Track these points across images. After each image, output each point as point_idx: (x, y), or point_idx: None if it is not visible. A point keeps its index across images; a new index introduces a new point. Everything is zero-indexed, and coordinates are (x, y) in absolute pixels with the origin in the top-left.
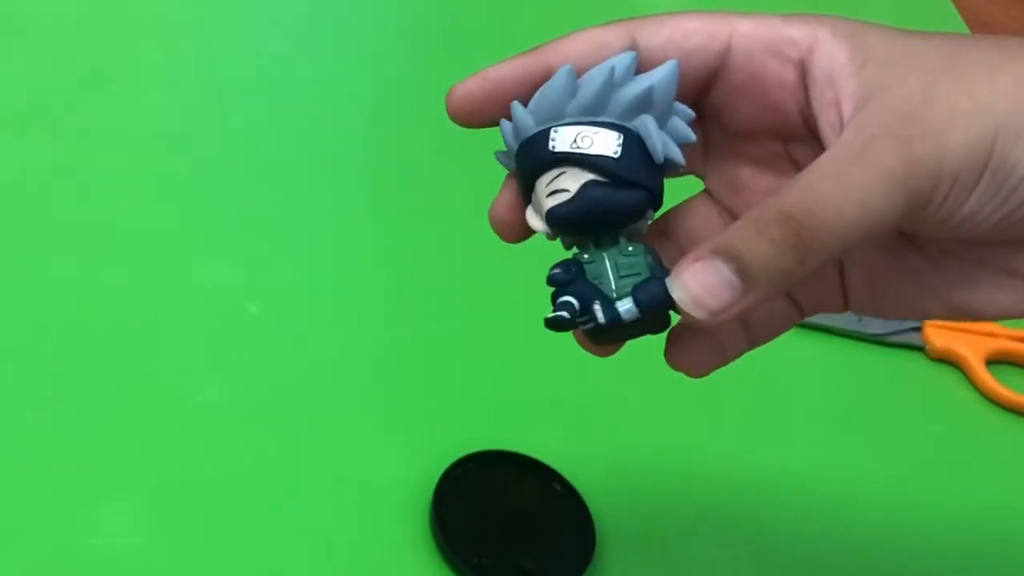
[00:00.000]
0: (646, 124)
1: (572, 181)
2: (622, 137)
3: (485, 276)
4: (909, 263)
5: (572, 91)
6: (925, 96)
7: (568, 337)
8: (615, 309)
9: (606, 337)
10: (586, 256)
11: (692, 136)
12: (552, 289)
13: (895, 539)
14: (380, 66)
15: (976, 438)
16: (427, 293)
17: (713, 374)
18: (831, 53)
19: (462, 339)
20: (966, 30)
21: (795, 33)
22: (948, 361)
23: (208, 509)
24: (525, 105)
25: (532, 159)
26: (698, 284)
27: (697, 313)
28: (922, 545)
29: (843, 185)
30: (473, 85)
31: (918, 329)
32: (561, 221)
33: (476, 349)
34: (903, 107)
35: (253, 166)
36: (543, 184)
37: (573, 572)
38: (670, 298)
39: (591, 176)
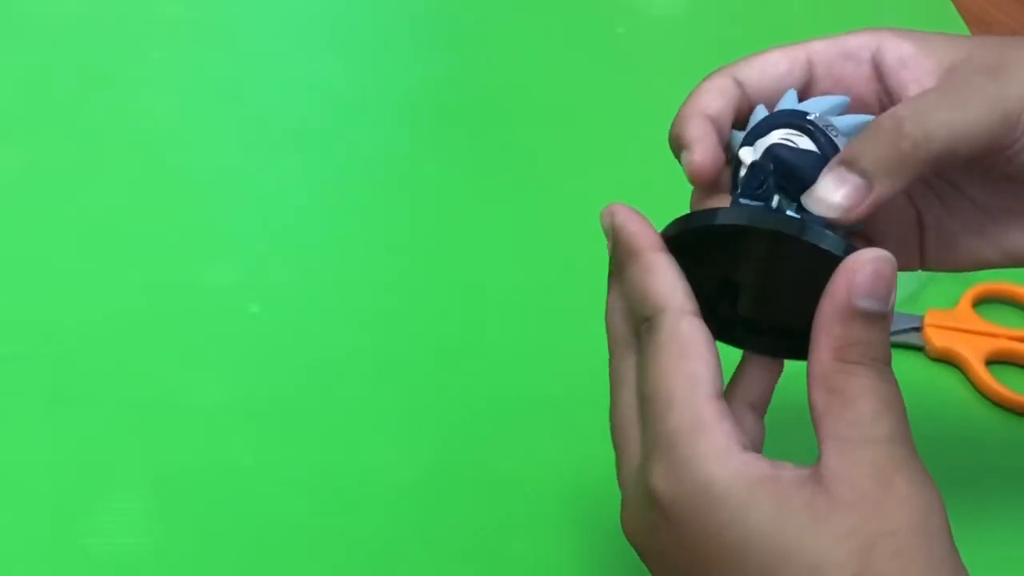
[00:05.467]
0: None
1: (800, 141)
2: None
3: (485, 275)
4: (975, 219)
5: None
6: (1001, 61)
7: (564, 337)
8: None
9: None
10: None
11: None
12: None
13: None
14: (380, 66)
15: (976, 438)
16: (427, 292)
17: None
18: (898, 45)
19: (462, 338)
20: (965, 29)
21: (861, 39)
22: (948, 361)
23: (208, 509)
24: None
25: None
26: (830, 193)
27: (835, 213)
28: None
29: (946, 96)
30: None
31: (918, 329)
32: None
33: (477, 349)
34: (987, 64)
35: (253, 166)
36: (777, 134)
37: None
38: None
39: (812, 145)
